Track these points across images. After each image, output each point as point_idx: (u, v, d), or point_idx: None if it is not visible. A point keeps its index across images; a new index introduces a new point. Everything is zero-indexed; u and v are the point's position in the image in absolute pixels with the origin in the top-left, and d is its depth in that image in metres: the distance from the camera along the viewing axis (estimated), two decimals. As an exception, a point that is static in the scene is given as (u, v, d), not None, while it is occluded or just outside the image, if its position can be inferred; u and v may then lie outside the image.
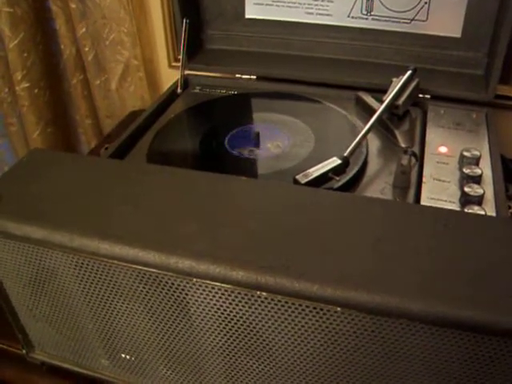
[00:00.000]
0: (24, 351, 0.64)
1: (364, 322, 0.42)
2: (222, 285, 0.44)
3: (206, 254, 0.45)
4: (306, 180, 0.61)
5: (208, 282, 0.45)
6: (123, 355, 0.57)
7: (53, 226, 0.49)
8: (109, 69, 1.15)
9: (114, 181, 0.55)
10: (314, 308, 0.43)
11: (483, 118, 0.78)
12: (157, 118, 0.82)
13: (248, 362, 0.50)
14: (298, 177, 0.62)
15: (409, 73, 0.76)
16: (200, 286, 0.45)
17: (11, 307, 0.59)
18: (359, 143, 0.66)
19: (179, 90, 0.89)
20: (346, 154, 0.64)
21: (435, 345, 0.41)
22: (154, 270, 0.46)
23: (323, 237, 0.46)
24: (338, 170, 0.63)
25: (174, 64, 1.13)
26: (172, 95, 0.89)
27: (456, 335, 0.40)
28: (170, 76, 1.15)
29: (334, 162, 0.63)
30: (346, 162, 0.64)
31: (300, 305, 0.43)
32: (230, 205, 0.51)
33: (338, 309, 0.42)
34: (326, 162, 0.63)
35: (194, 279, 0.45)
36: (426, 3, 0.84)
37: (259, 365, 0.49)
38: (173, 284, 0.47)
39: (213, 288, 0.45)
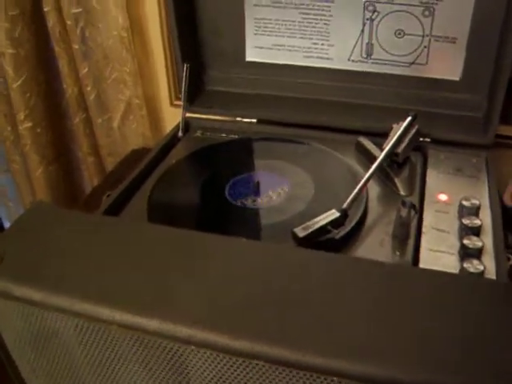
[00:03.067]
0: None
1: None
2: (220, 353, 0.44)
3: (204, 323, 0.44)
4: (305, 233, 0.61)
5: (205, 349, 0.44)
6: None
7: (53, 289, 0.49)
8: (111, 107, 1.16)
9: (113, 243, 0.55)
10: (311, 376, 0.42)
11: (483, 162, 0.78)
12: (158, 163, 0.82)
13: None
14: (296, 230, 0.62)
15: (409, 119, 0.76)
16: (198, 352, 0.45)
17: (12, 362, 0.59)
18: (358, 194, 0.66)
19: (180, 134, 0.89)
20: (344, 206, 0.64)
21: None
22: (152, 337, 0.46)
23: (320, 303, 0.46)
24: (336, 223, 0.63)
25: (175, 102, 1.14)
26: (173, 138, 0.89)
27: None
28: (171, 114, 1.16)
29: (333, 214, 0.63)
30: (344, 215, 0.63)
31: (297, 373, 0.43)
32: (229, 268, 0.51)
33: (335, 378, 0.42)
34: (324, 215, 0.63)
35: (193, 347, 0.45)
36: (425, 47, 0.84)
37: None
38: (171, 349, 0.46)
39: (211, 355, 0.45)
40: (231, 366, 0.45)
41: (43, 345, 0.53)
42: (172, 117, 1.15)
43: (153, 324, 0.45)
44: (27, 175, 1.26)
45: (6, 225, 1.30)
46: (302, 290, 0.48)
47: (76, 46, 1.07)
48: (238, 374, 0.45)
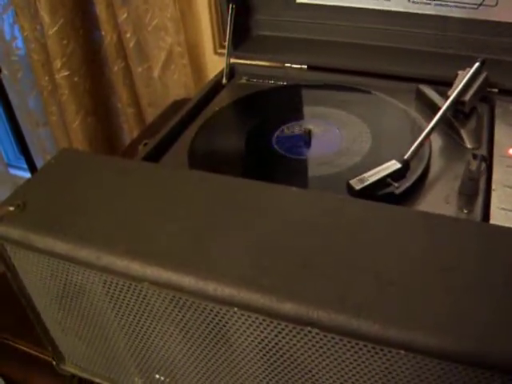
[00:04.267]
0: (54, 363, 0.60)
1: (431, 367, 0.36)
2: (266, 317, 0.38)
3: (248, 282, 0.39)
4: (362, 186, 0.55)
5: (250, 312, 0.39)
6: (157, 376, 0.52)
7: (78, 240, 0.44)
8: (151, 56, 1.11)
9: (148, 190, 0.49)
10: (373, 348, 0.36)
11: (556, 114, 0.70)
12: (200, 111, 0.76)
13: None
14: (352, 182, 0.56)
15: (476, 65, 0.68)
16: (242, 315, 0.40)
17: (40, 320, 0.55)
18: (421, 144, 0.59)
19: (224, 81, 0.83)
20: (406, 157, 0.57)
21: None
22: (189, 297, 0.41)
23: (381, 264, 0.40)
24: (397, 175, 0.57)
25: (219, 50, 1.08)
26: (217, 85, 0.83)
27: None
28: (215, 63, 1.10)
29: (394, 165, 0.56)
30: (406, 166, 0.57)
31: (357, 344, 0.37)
32: (277, 222, 0.45)
33: (402, 352, 0.36)
34: (383, 166, 0.57)
35: (236, 309, 0.39)
36: (496, -13, 0.76)
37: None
38: (211, 311, 0.41)
39: (256, 318, 0.39)
40: (279, 333, 0.39)
41: (71, 302, 0.49)
42: (216, 66, 1.08)
43: (188, 281, 0.40)
44: (65, 127, 1.21)
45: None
46: (362, 248, 0.42)
47: (115, -11, 1.01)
48: (288, 342, 0.40)
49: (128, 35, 1.07)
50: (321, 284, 0.38)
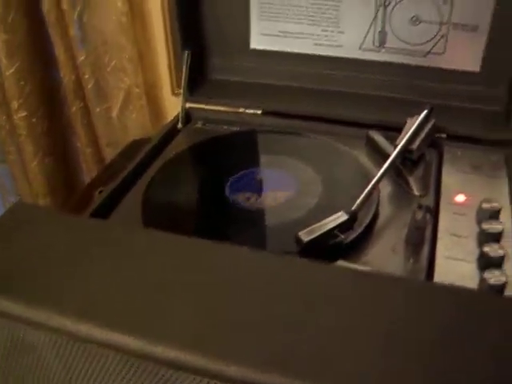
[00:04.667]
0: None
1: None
2: (211, 380, 0.39)
3: (195, 345, 0.39)
4: (309, 238, 0.56)
5: (198, 376, 0.39)
6: None
7: (28, 300, 0.44)
8: (110, 96, 1.11)
9: (98, 251, 0.49)
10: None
11: (503, 161, 0.72)
12: (156, 156, 0.77)
13: None
14: (300, 234, 0.57)
15: (424, 113, 0.71)
16: (187, 378, 0.40)
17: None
18: (369, 195, 0.61)
19: (180, 125, 0.84)
20: (353, 208, 0.59)
21: None
22: (136, 358, 0.41)
23: (324, 328, 0.41)
24: (344, 226, 0.58)
25: (177, 91, 1.09)
26: (173, 130, 0.84)
27: None
28: (173, 103, 1.11)
29: (341, 217, 0.58)
30: (353, 218, 0.58)
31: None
32: (223, 285, 0.45)
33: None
34: (331, 218, 0.58)
35: (181, 371, 0.40)
36: (443, 36, 0.79)
37: None
38: (157, 373, 0.41)
39: (200, 381, 0.40)
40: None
41: (18, 359, 0.49)
42: (174, 106, 1.10)
43: (136, 344, 0.40)
44: (23, 166, 1.21)
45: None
46: (304, 311, 0.42)
47: (73, 32, 1.02)
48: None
49: (86, 76, 1.07)
50: (265, 348, 0.39)
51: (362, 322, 0.41)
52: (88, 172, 1.24)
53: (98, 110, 1.11)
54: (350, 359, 0.38)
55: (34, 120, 1.10)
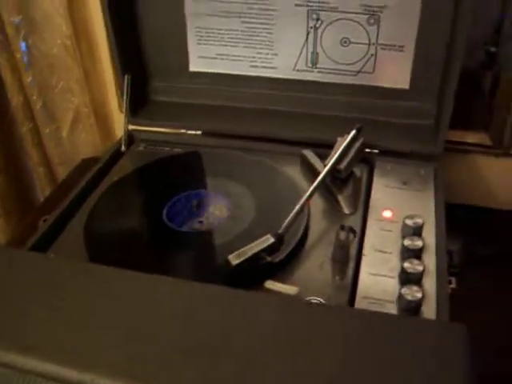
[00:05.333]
0: None
1: None
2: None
3: (124, 373, 0.42)
4: (238, 261, 0.59)
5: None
6: None
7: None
8: (59, 116, 1.13)
9: (34, 285, 0.52)
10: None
11: (431, 173, 0.76)
12: (102, 179, 0.79)
13: None
14: (230, 257, 0.59)
15: (352, 133, 0.73)
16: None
17: None
18: (296, 216, 0.64)
19: (123, 148, 0.86)
20: (280, 231, 0.61)
21: None
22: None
23: (243, 353, 0.44)
24: (272, 249, 0.61)
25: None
26: (117, 152, 0.86)
27: None
28: (121, 120, 1.11)
29: (267, 240, 0.60)
30: (279, 240, 0.61)
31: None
32: (157, 313, 0.48)
33: None
34: (258, 241, 0.61)
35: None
36: (372, 55, 0.82)
37: None
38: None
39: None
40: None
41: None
42: (122, 123, 1.11)
43: (70, 373, 0.43)
44: (-23, 186, 1.22)
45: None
46: (227, 333, 0.45)
47: (18, 55, 1.04)
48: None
49: (34, 97, 1.08)
50: (192, 369, 0.42)
51: (271, 346, 0.44)
52: (42, 190, 1.25)
53: (47, 130, 1.13)
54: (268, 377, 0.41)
55: (-15, 141, 1.12)
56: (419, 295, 0.56)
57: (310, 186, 0.67)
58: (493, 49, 0.85)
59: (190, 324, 0.47)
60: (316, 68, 0.85)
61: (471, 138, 0.91)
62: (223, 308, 0.48)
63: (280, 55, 0.86)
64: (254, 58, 0.87)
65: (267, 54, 0.86)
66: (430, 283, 0.59)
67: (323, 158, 0.75)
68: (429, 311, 0.56)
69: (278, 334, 0.45)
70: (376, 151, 0.80)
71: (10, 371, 0.45)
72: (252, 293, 0.52)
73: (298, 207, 0.64)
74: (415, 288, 0.57)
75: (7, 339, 0.46)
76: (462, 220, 0.74)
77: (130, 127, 0.89)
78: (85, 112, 1.10)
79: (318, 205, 0.71)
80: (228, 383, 0.41)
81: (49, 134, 1.14)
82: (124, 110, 0.86)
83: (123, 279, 0.52)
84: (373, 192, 0.73)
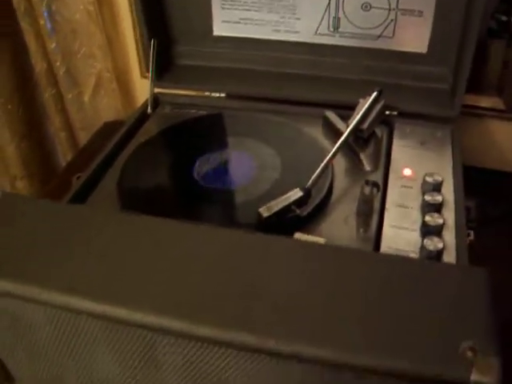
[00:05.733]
0: (5, 384, 0.65)
1: (320, 373, 0.43)
2: (186, 339, 0.46)
3: (170, 311, 0.46)
4: (268, 214, 0.62)
5: (174, 337, 0.46)
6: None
7: (21, 278, 0.50)
8: (81, 82, 1.15)
9: (82, 233, 0.55)
10: (273, 361, 0.44)
11: (448, 136, 0.79)
12: (129, 140, 0.82)
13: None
14: (260, 210, 0.63)
15: (374, 95, 0.76)
16: (165, 339, 0.47)
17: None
18: (322, 172, 0.67)
19: (149, 110, 0.89)
20: (307, 186, 0.65)
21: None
22: (121, 325, 0.47)
23: (278, 291, 0.47)
24: (300, 202, 0.64)
25: (146, 74, 1.13)
26: (143, 115, 0.89)
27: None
28: (143, 86, 1.15)
29: (296, 194, 0.64)
30: (307, 194, 0.64)
31: (262, 358, 0.44)
32: (193, 257, 0.51)
33: (295, 362, 0.43)
34: (288, 194, 0.64)
35: (160, 333, 0.46)
36: (392, 20, 0.84)
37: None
38: (140, 336, 0.48)
39: (177, 341, 0.46)
40: (197, 351, 0.46)
41: (19, 331, 0.54)
42: (144, 88, 1.13)
43: (121, 312, 0.46)
44: (0, 151, 1.25)
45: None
46: (262, 277, 0.49)
47: (42, 22, 1.06)
48: (204, 358, 0.47)
49: (58, 63, 1.11)
50: (229, 310, 0.46)
51: (311, 286, 0.48)
52: (63, 155, 1.28)
53: (70, 95, 1.16)
54: (301, 316, 0.45)
55: (9, 106, 1.15)
56: (440, 245, 0.59)
57: (332, 145, 0.70)
58: (504, 18, 0.88)
59: (226, 268, 0.50)
60: (337, 32, 0.88)
61: (485, 102, 0.94)
62: (258, 253, 0.52)
63: (302, 20, 0.88)
64: (276, 22, 0.89)
65: (290, 18, 0.88)
66: (449, 236, 0.62)
67: (344, 119, 0.78)
68: (449, 260, 0.59)
69: (310, 277, 0.49)
70: (395, 113, 0.83)
71: (62, 312, 0.49)
72: (284, 238, 0.55)
73: (324, 163, 0.67)
74: (436, 239, 0.60)
75: (59, 282, 0.49)
76: (475, 182, 0.77)
77: (155, 90, 0.91)
78: (107, 77, 1.13)
79: (341, 164, 0.74)
80: (263, 325, 0.44)
81: (71, 100, 1.17)
82: (150, 73, 0.89)
83: (162, 227, 0.56)
84: (393, 152, 0.76)
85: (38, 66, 1.13)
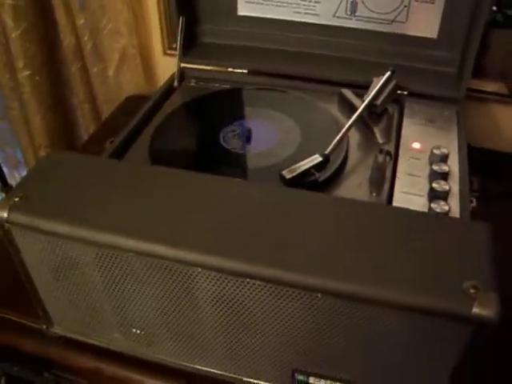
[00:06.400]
0: (44, 326, 0.71)
1: (341, 306, 0.50)
2: (221, 274, 0.52)
3: (208, 248, 0.52)
4: (291, 176, 0.69)
5: (209, 271, 0.52)
6: (134, 330, 0.64)
7: (74, 222, 0.56)
8: (106, 57, 1.21)
9: (124, 182, 0.62)
10: (299, 293, 0.51)
11: (454, 115, 0.85)
12: (156, 111, 0.88)
13: (241, 335, 0.58)
14: (283, 172, 0.69)
15: (388, 74, 0.82)
16: (203, 273, 0.53)
17: (34, 289, 0.66)
18: (340, 141, 0.73)
19: (176, 84, 0.95)
20: (326, 152, 0.71)
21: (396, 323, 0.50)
22: (164, 261, 0.54)
23: (304, 234, 0.54)
24: (319, 167, 0.70)
25: (168, 52, 1.19)
26: (170, 88, 0.95)
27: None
28: (164, 63, 1.21)
29: (316, 159, 0.70)
30: (326, 159, 0.71)
31: (287, 290, 0.51)
32: (228, 205, 0.58)
33: (319, 295, 0.50)
34: (309, 159, 0.70)
35: (199, 268, 0.53)
36: (405, 6, 0.90)
37: (251, 337, 0.58)
38: (180, 272, 0.54)
39: (214, 276, 0.53)
40: (230, 285, 0.53)
41: (65, 273, 0.61)
42: (165, 65, 1.21)
43: (164, 250, 0.53)
44: (25, 122, 1.31)
45: (5, 169, 1.35)
46: (289, 223, 0.55)
47: (73, -3, 1.12)
48: (236, 292, 0.54)
49: (85, 38, 1.17)
50: (258, 248, 0.52)
51: (332, 227, 0.54)
52: (85, 127, 1.34)
53: (95, 69, 1.22)
54: (325, 256, 0.51)
55: (37, 78, 1.20)
56: (446, 208, 0.66)
57: (347, 120, 0.76)
58: (510, 12, 0.94)
59: (257, 215, 0.57)
60: (354, 16, 0.94)
61: (490, 87, 1.00)
62: (285, 203, 0.58)
63: (322, 3, 0.94)
64: (297, 4, 0.95)
65: (310, 1, 0.94)
66: (454, 202, 0.68)
67: (359, 96, 0.84)
68: (454, 222, 0.66)
69: (334, 224, 0.56)
70: (405, 93, 0.89)
71: (112, 250, 0.56)
72: (311, 192, 0.61)
73: (342, 133, 0.73)
74: (443, 202, 0.67)
75: (111, 226, 0.56)
76: (478, 162, 0.82)
77: (182, 65, 0.97)
78: (131, 53, 1.18)
79: (355, 137, 0.81)
80: (291, 260, 0.51)
81: (96, 73, 1.23)
82: (178, 48, 0.95)
83: (200, 180, 0.62)
84: (403, 128, 0.82)
85: (67, 40, 1.19)
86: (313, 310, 0.52)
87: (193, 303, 0.57)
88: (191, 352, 0.63)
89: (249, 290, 0.53)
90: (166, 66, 1.12)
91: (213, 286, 0.54)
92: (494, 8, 0.91)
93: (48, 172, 0.64)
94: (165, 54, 1.20)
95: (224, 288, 0.53)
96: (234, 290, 0.53)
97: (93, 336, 0.69)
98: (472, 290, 0.48)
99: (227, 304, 0.55)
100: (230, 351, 0.61)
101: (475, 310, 0.47)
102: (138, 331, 0.64)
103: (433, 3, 0.89)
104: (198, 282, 0.54)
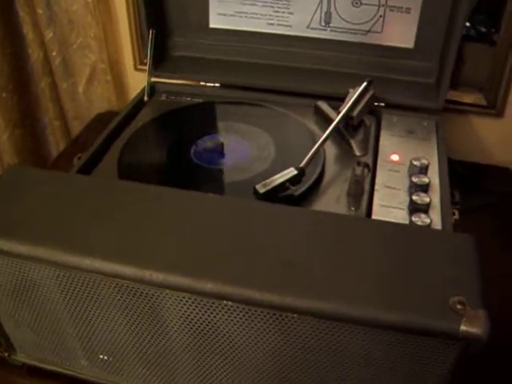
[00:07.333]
0: (6, 354, 0.67)
1: (317, 325, 0.47)
2: (192, 295, 0.49)
3: (176, 268, 0.49)
4: (265, 190, 0.66)
5: (178, 292, 0.49)
6: (101, 356, 0.61)
7: (36, 241, 0.53)
8: (76, 72, 1.18)
9: (89, 198, 0.59)
10: (274, 314, 0.47)
11: (433, 126, 0.83)
12: (125, 126, 0.85)
13: (214, 360, 0.54)
14: (257, 186, 0.66)
15: (364, 84, 0.80)
16: (172, 295, 0.50)
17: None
18: (315, 154, 0.70)
19: (146, 98, 0.92)
20: (302, 165, 0.68)
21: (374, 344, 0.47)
22: (130, 283, 0.50)
23: (279, 251, 0.51)
24: (295, 180, 0.67)
25: (139, 67, 1.17)
26: (139, 102, 0.92)
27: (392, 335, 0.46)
28: (135, 78, 1.19)
29: (291, 172, 0.67)
30: (301, 173, 0.68)
31: (262, 312, 0.48)
32: (196, 222, 0.55)
33: (295, 315, 0.47)
34: (283, 173, 0.67)
35: (167, 290, 0.49)
36: (380, 16, 0.88)
37: (225, 363, 0.54)
38: (147, 294, 0.51)
39: (183, 297, 0.50)
40: (201, 308, 0.50)
41: (25, 296, 0.57)
42: (136, 81, 1.18)
43: (129, 270, 0.50)
44: (-6, 139, 1.27)
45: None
46: (263, 238, 0.52)
47: (40, 11, 1.09)
48: (208, 315, 0.50)
49: (54, 53, 1.14)
50: (232, 268, 0.49)
51: (311, 247, 0.51)
52: (55, 144, 1.30)
53: (64, 85, 1.18)
54: (299, 272, 0.48)
55: (4, 94, 1.16)
56: (428, 220, 0.63)
57: (322, 132, 0.74)
58: (483, 29, 0.93)
59: (230, 231, 0.54)
60: (329, 27, 0.92)
61: (468, 98, 0.99)
62: (258, 217, 0.55)
63: (295, 14, 0.92)
64: (270, 16, 0.93)
65: (283, 12, 0.92)
66: (435, 215, 0.66)
67: (335, 108, 0.82)
68: (435, 236, 0.63)
69: (309, 238, 0.53)
70: (383, 104, 0.87)
71: (75, 272, 0.52)
72: (285, 206, 0.58)
73: (317, 145, 0.71)
74: (423, 215, 0.64)
75: (74, 246, 0.52)
76: (457, 174, 0.80)
77: (152, 79, 0.94)
78: (101, 68, 1.16)
79: (332, 150, 0.78)
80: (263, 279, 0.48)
81: (66, 89, 1.19)
82: (148, 62, 0.92)
83: (170, 195, 0.59)
84: (381, 140, 0.80)
85: (35, 55, 1.15)
86: (289, 333, 0.48)
87: (161, 327, 0.53)
88: (162, 379, 0.60)
89: (220, 312, 0.49)
90: (138, 82, 1.10)
91: (181, 308, 0.50)
92: (468, 24, 0.90)
93: (10, 188, 0.60)
94: (136, 69, 1.18)
95: (193, 310, 0.50)
96: (205, 313, 0.50)
97: (58, 363, 0.65)
98: (459, 306, 0.45)
99: (197, 328, 0.52)
100: (202, 377, 0.57)
101: (463, 327, 0.44)
102: (106, 357, 0.60)
103: (408, 13, 0.87)
104: (165, 305, 0.51)
